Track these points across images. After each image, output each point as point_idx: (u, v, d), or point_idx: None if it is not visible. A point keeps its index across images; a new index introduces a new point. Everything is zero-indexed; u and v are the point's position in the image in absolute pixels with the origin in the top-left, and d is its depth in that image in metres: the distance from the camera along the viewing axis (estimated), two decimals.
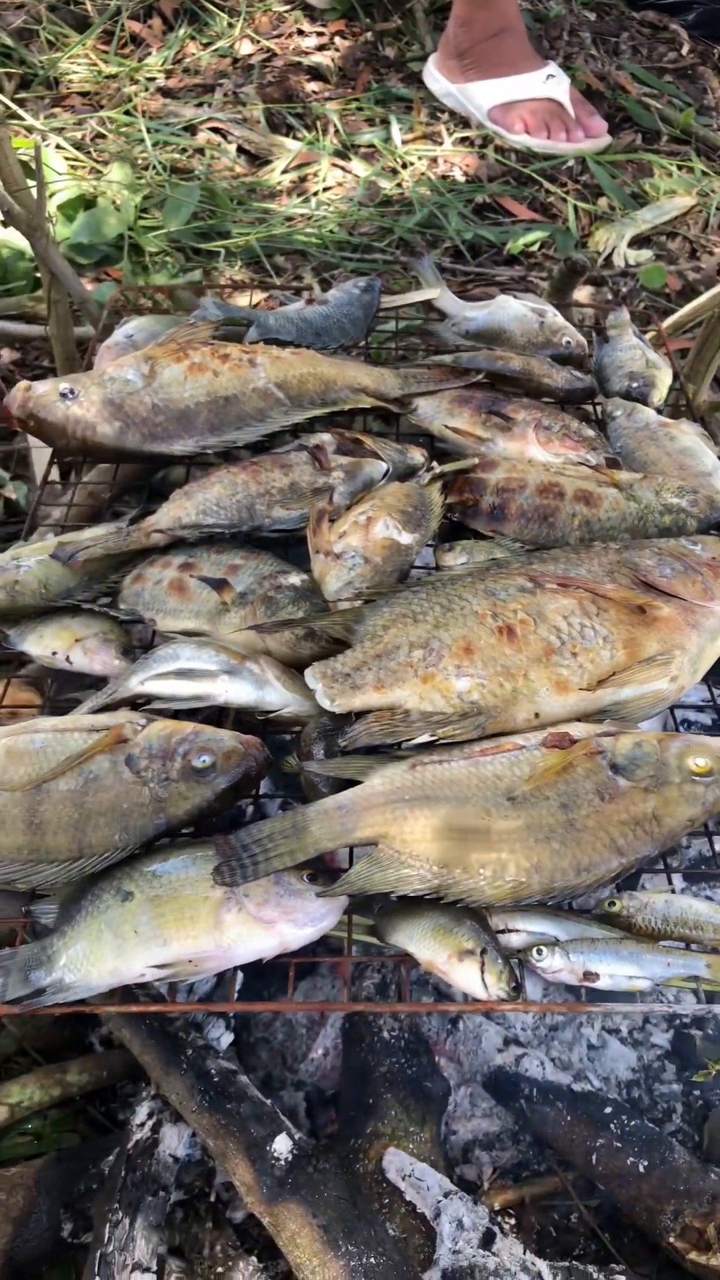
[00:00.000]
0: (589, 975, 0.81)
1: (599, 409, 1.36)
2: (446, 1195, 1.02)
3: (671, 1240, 1.04)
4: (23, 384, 1.23)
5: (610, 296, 2.21)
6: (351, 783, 0.89)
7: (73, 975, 0.80)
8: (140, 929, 0.80)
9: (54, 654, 1.06)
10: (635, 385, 1.33)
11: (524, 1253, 1.00)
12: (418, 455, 1.21)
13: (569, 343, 1.39)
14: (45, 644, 1.06)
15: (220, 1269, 1.12)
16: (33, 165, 1.36)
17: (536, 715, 0.91)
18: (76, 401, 1.21)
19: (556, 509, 1.12)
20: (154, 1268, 1.00)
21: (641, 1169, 1.08)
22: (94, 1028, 1.28)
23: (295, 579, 1.05)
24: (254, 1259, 1.13)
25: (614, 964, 0.81)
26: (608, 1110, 1.14)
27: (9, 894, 0.99)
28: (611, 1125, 1.13)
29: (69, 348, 1.53)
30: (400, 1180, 1.04)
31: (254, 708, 0.95)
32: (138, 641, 1.10)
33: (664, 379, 1.35)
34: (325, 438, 1.20)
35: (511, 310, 1.42)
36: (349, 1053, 1.17)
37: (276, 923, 0.81)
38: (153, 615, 1.05)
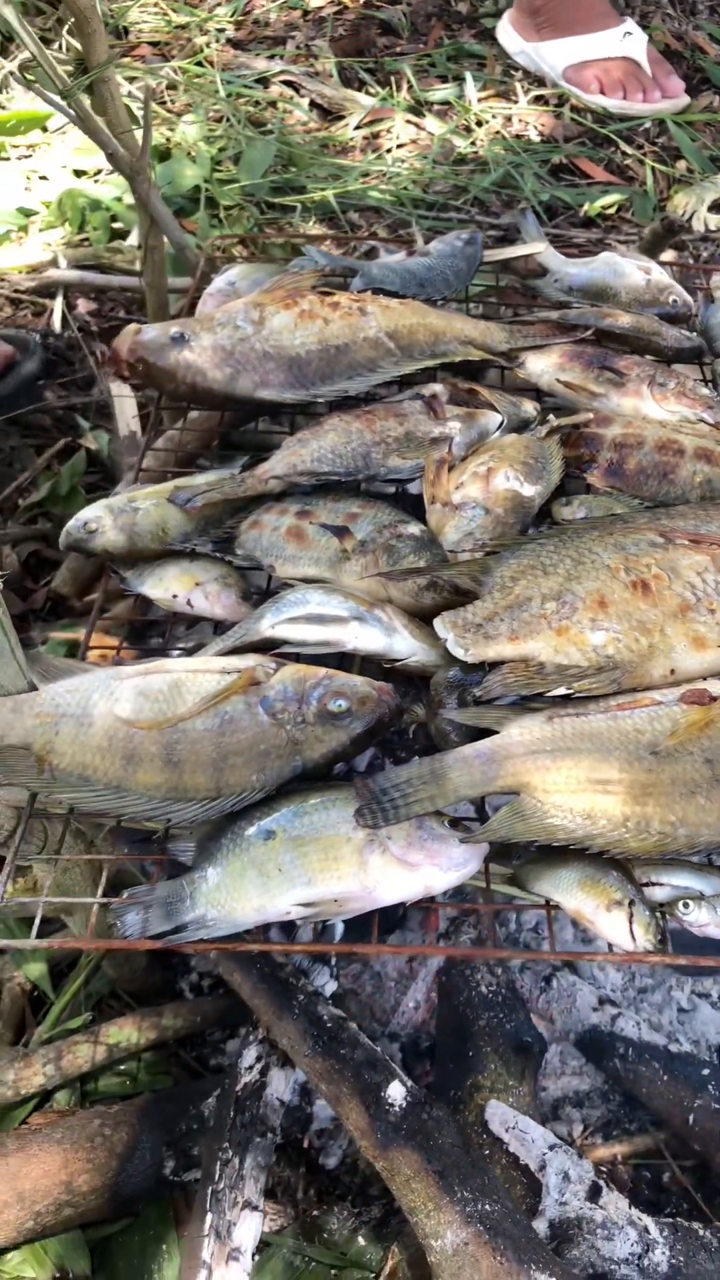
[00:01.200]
0: None
1: (707, 370, 1.34)
2: (551, 1148, 1.02)
3: None
4: (131, 327, 1.22)
5: (692, 260, 2.18)
6: (482, 735, 0.88)
7: (216, 911, 0.80)
8: (284, 867, 0.80)
9: (174, 597, 1.06)
10: None
11: (629, 1207, 1.00)
12: (530, 408, 1.19)
13: (676, 301, 1.37)
14: (166, 587, 1.06)
15: (315, 1212, 1.13)
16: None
17: (672, 672, 0.90)
18: (187, 346, 1.20)
19: (676, 466, 1.11)
20: (261, 1206, 1.00)
21: None
22: (184, 974, 1.29)
23: (415, 528, 1.04)
24: (348, 1204, 1.14)
25: None
26: (705, 1073, 1.14)
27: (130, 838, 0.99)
28: (710, 1087, 1.13)
29: (163, 296, 1.52)
30: (504, 1132, 1.04)
31: (381, 655, 0.94)
32: (254, 589, 1.09)
33: None
34: (438, 387, 1.19)
35: (617, 267, 1.40)
36: (445, 1006, 1.17)
37: (421, 866, 0.80)
38: (271, 562, 1.04)
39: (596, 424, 1.17)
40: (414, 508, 1.11)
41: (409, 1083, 0.99)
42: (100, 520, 1.08)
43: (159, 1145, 1.08)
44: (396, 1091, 0.98)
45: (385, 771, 0.83)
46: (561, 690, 0.89)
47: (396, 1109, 0.97)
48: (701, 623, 0.91)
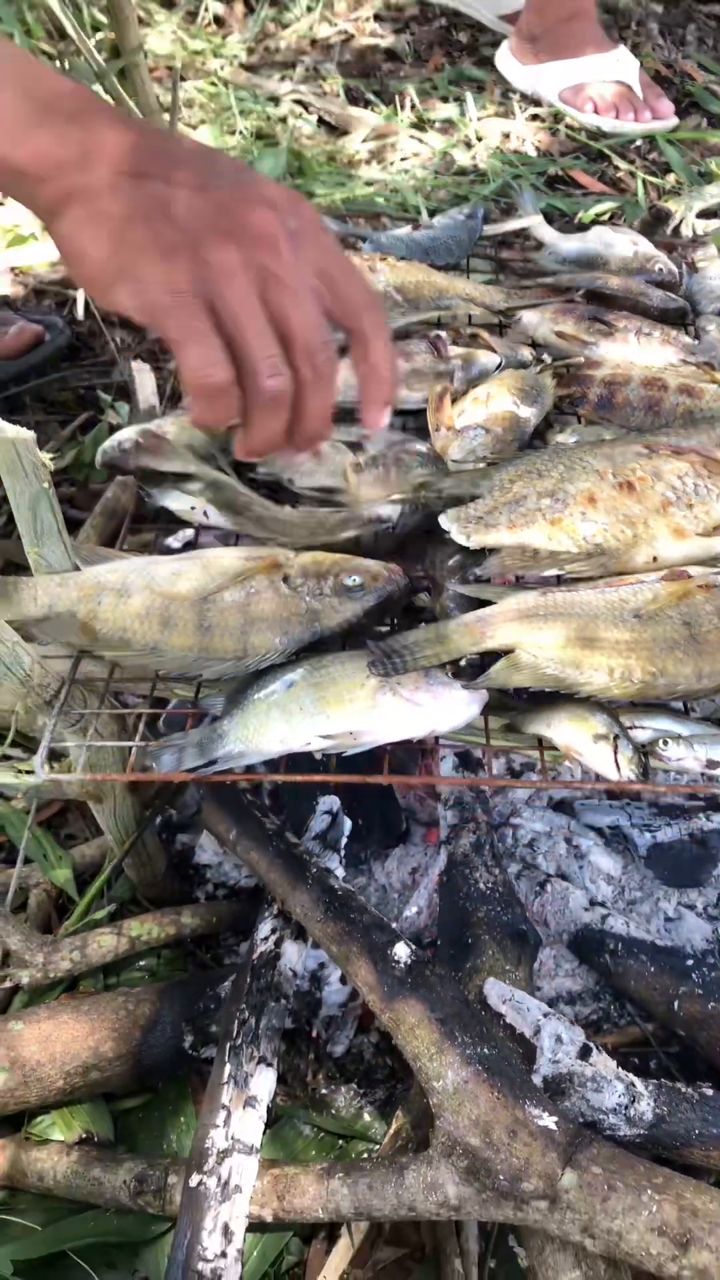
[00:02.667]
0: (712, 763, 0.89)
1: (691, 330, 1.45)
2: (545, 1015, 1.10)
3: None
4: None
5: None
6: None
7: (243, 746, 0.89)
8: (305, 707, 0.89)
9: (192, 509, 1.15)
10: None
11: (617, 1066, 1.08)
12: (526, 352, 1.30)
13: (661, 269, 1.48)
14: (186, 501, 1.16)
15: (322, 1092, 1.20)
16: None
17: (655, 559, 1.00)
18: None
19: (661, 399, 1.21)
20: (274, 1063, 1.08)
21: None
22: (201, 885, 1.37)
23: (421, 446, 1.14)
24: (353, 1086, 1.22)
25: None
26: (689, 962, 1.22)
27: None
28: (694, 975, 1.21)
29: None
30: (501, 1005, 1.11)
31: None
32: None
33: None
34: (442, 332, 1.29)
35: (606, 238, 1.51)
36: (446, 902, 1.25)
37: (426, 706, 0.89)
38: (291, 476, 1.14)
39: (587, 366, 1.27)
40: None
41: (412, 945, 1.07)
42: (133, 440, 1.18)
43: (179, 1020, 1.15)
44: (402, 950, 1.06)
45: (394, 636, 0.93)
46: (554, 571, 0.98)
47: (401, 965, 1.05)
48: (681, 516, 1.01)
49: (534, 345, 1.36)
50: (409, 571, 1.02)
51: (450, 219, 1.54)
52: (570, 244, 1.54)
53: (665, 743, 0.90)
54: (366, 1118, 1.19)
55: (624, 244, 1.50)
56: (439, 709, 0.90)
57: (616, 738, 0.88)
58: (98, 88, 1.43)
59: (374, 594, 0.96)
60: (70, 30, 1.38)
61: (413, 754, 1.27)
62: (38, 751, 0.92)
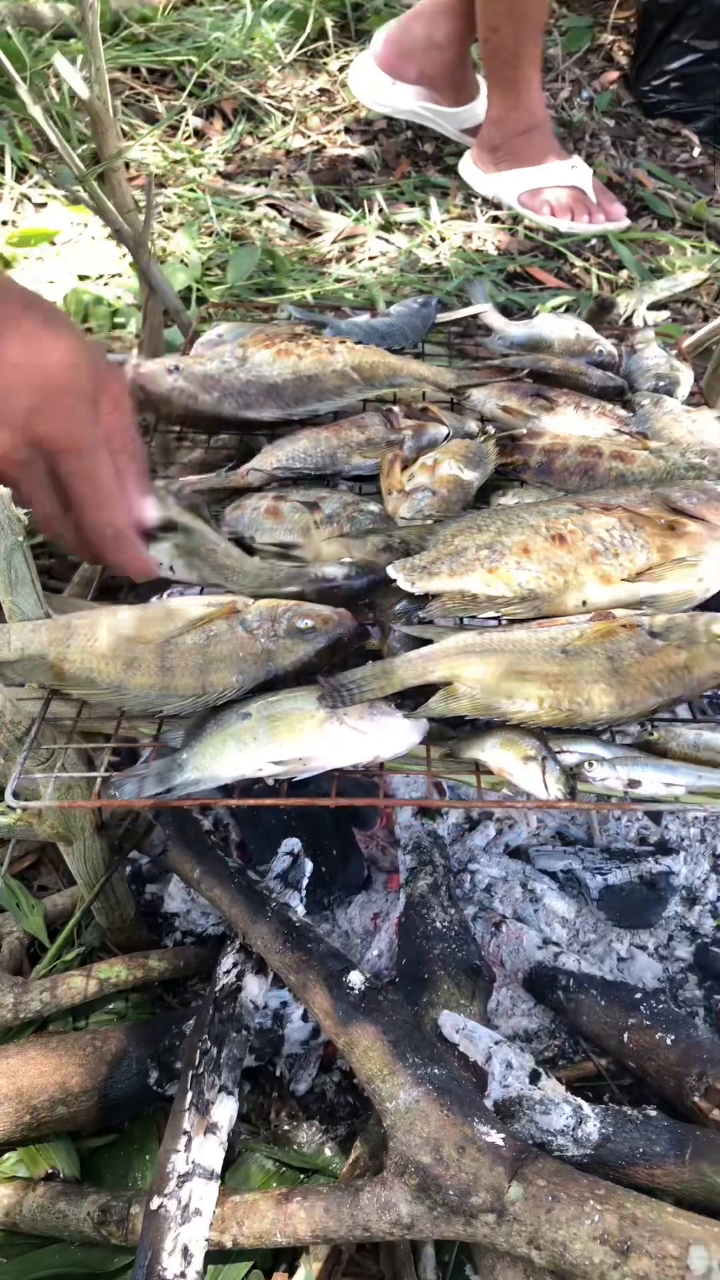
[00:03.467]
0: (632, 783, 0.96)
1: (629, 407, 1.56)
2: (496, 1043, 1.15)
3: (696, 1100, 1.16)
4: (132, 361, 1.43)
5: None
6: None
7: (200, 774, 0.96)
8: (259, 736, 0.96)
9: (159, 565, 1.23)
10: (661, 384, 1.53)
11: (565, 1090, 1.12)
12: (473, 424, 1.40)
13: (601, 351, 1.60)
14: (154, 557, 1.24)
15: (286, 1128, 1.24)
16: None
17: (584, 603, 1.08)
18: (180, 376, 1.41)
19: (595, 465, 1.31)
20: (235, 1092, 1.12)
21: (669, 1042, 1.21)
22: (169, 932, 1.42)
23: (374, 506, 1.23)
24: (315, 1122, 1.25)
25: (654, 773, 0.96)
26: (638, 996, 1.27)
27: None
28: (641, 1007, 1.26)
29: (158, 352, 1.74)
30: (455, 1034, 1.16)
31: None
32: None
33: (686, 379, 1.55)
34: (395, 407, 1.39)
35: (550, 324, 1.63)
36: (404, 940, 1.30)
37: (371, 734, 0.96)
38: (252, 534, 1.23)
39: (530, 436, 1.37)
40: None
41: (366, 973, 1.12)
42: None
43: (145, 1057, 1.20)
44: (356, 978, 1.11)
45: (343, 672, 1.00)
46: (491, 614, 1.07)
47: (355, 991, 1.10)
48: (608, 565, 1.09)
49: (482, 420, 1.46)
50: (358, 617, 1.09)
51: (406, 307, 1.65)
52: (517, 329, 1.66)
53: (590, 765, 0.97)
54: (328, 1153, 1.22)
55: (567, 329, 1.62)
56: (383, 736, 0.97)
57: (544, 759, 0.95)
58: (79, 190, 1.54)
59: (324, 636, 1.04)
60: (55, 141, 1.51)
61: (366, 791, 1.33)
62: (8, 785, 0.99)
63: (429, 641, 1.04)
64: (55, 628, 1.04)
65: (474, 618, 1.08)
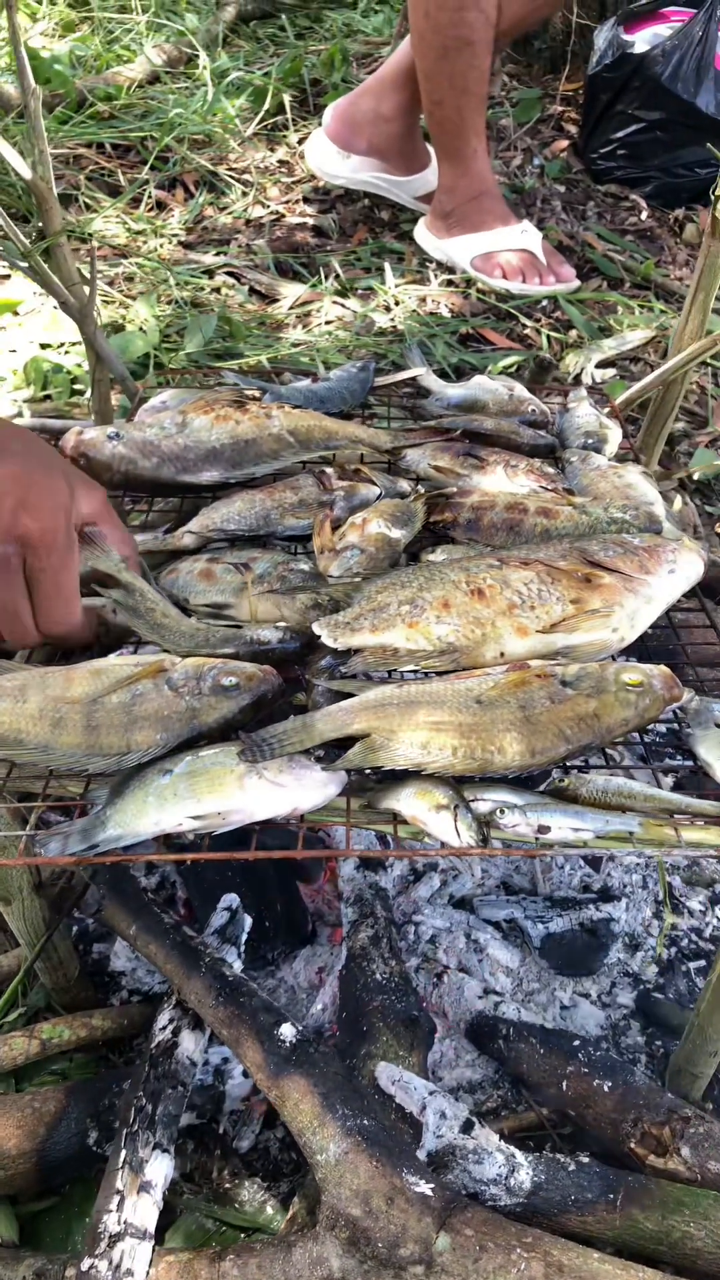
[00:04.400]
0: (542, 828, 0.98)
1: (559, 464, 1.60)
2: (430, 1094, 1.16)
3: (633, 1146, 1.17)
4: (75, 429, 1.46)
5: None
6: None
7: (122, 831, 0.98)
8: (179, 792, 0.98)
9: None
10: (590, 441, 1.58)
11: (499, 1139, 1.13)
12: (404, 484, 1.44)
13: (534, 410, 1.65)
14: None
15: (228, 1186, 1.24)
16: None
17: (502, 654, 1.11)
18: (121, 442, 1.45)
19: (521, 520, 1.35)
20: (170, 1149, 1.12)
21: (606, 1088, 1.22)
22: (115, 991, 1.43)
23: (305, 565, 1.26)
24: (258, 1180, 1.25)
25: (563, 819, 0.98)
26: (576, 1043, 1.28)
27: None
28: (579, 1055, 1.27)
29: (108, 418, 1.79)
30: (390, 1085, 1.17)
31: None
32: None
33: (615, 436, 1.60)
34: (328, 469, 1.44)
35: (485, 385, 1.68)
36: (345, 993, 1.31)
37: (289, 787, 0.98)
38: (186, 596, 1.26)
39: (459, 495, 1.41)
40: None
41: (299, 1025, 1.13)
42: None
43: (84, 1117, 1.20)
44: (288, 1030, 1.12)
45: (264, 728, 1.03)
46: (410, 666, 1.09)
47: (287, 1044, 1.11)
48: (525, 617, 1.13)
49: (416, 479, 1.50)
50: (285, 674, 1.12)
51: (344, 372, 1.70)
52: (454, 391, 1.71)
53: (502, 811, 0.99)
54: (270, 1210, 1.22)
55: (500, 390, 1.67)
56: (301, 789, 0.99)
57: (456, 808, 0.97)
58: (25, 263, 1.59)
59: (249, 693, 1.06)
60: None
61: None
62: None
63: (351, 695, 1.07)
64: None
65: (397, 671, 1.10)
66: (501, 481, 1.45)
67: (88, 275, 1.65)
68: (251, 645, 1.16)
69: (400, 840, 1.01)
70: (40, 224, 1.65)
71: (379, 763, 1.00)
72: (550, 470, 1.48)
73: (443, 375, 2.68)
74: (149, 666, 1.09)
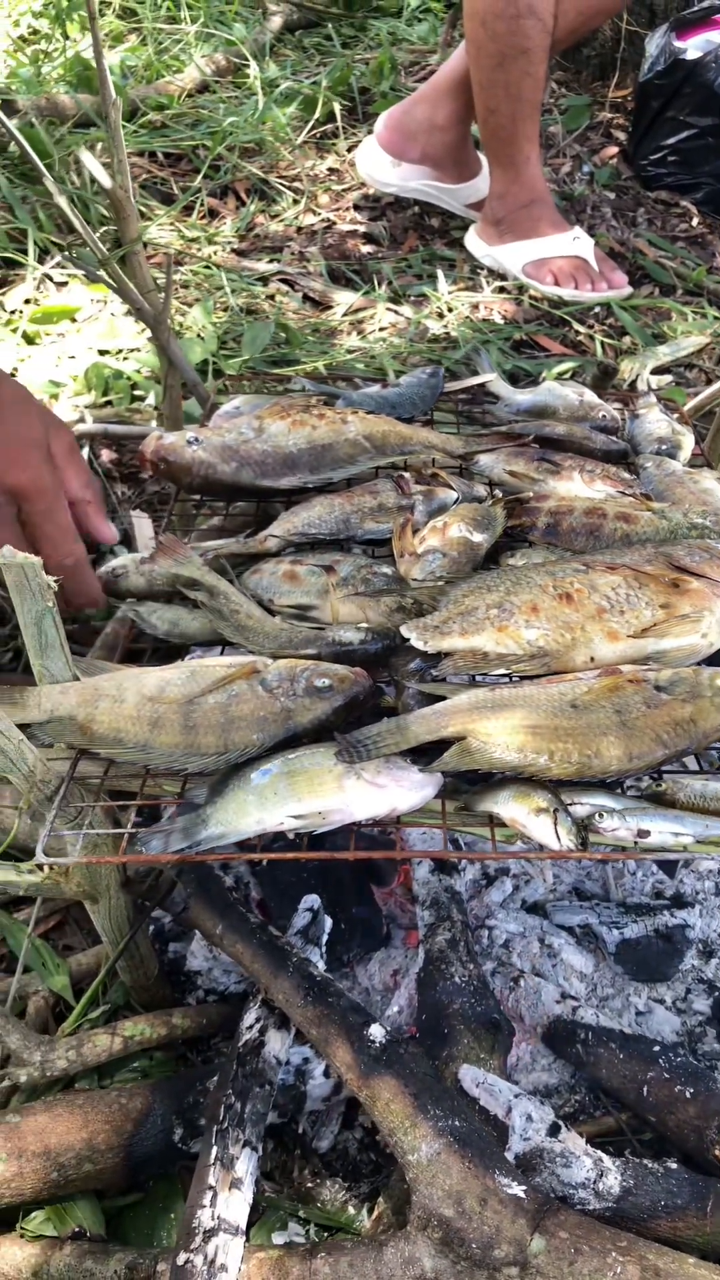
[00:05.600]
0: (642, 833, 0.99)
1: (632, 470, 1.61)
2: (516, 1096, 1.16)
3: (717, 1153, 1.17)
4: (154, 433, 1.48)
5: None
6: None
7: (223, 829, 0.99)
8: (279, 791, 0.99)
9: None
10: (664, 447, 1.58)
11: (585, 1143, 1.13)
12: (481, 489, 1.45)
13: (605, 416, 1.65)
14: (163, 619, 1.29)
15: (309, 1185, 1.24)
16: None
17: (592, 659, 1.12)
18: (200, 447, 1.46)
19: (600, 526, 1.35)
20: (258, 1147, 1.13)
21: (689, 1095, 1.22)
22: (191, 990, 1.44)
23: (387, 568, 1.28)
24: (338, 1180, 1.26)
25: (663, 824, 0.99)
26: (656, 1049, 1.28)
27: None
28: (660, 1061, 1.26)
29: (178, 423, 1.81)
30: (474, 1088, 1.18)
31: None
32: None
33: (688, 443, 1.60)
34: (405, 473, 1.45)
35: (555, 391, 1.69)
36: (424, 995, 1.32)
37: (388, 787, 1.00)
38: (270, 597, 1.27)
39: (536, 499, 1.42)
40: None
41: (386, 1026, 1.14)
42: (125, 567, 1.32)
43: (169, 1114, 1.21)
44: (377, 1031, 1.13)
45: (359, 729, 1.04)
46: (501, 671, 1.10)
47: (376, 1044, 1.12)
48: (615, 622, 1.13)
49: (490, 484, 1.51)
50: (374, 677, 1.13)
51: (414, 378, 1.72)
52: (523, 396, 1.72)
53: (601, 816, 0.99)
54: (351, 1210, 1.23)
55: (571, 395, 1.68)
56: (399, 790, 1.00)
57: (556, 811, 0.97)
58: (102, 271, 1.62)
59: (341, 695, 1.08)
60: (77, 225, 1.59)
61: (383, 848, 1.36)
62: (39, 842, 1.02)
63: (442, 698, 1.08)
64: (83, 690, 1.09)
65: (485, 675, 1.11)
66: (578, 487, 1.46)
67: (162, 282, 1.67)
68: (335, 646, 1.17)
69: (496, 843, 1.02)
70: (115, 230, 1.67)
71: (476, 765, 1.01)
72: (626, 475, 1.48)
73: None
74: (242, 668, 1.10)
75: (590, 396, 1.68)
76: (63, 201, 1.59)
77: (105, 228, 2.83)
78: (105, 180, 1.56)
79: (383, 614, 1.21)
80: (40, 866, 1.10)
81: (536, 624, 1.13)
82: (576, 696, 1.05)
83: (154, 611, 1.28)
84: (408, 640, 1.14)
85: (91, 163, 1.54)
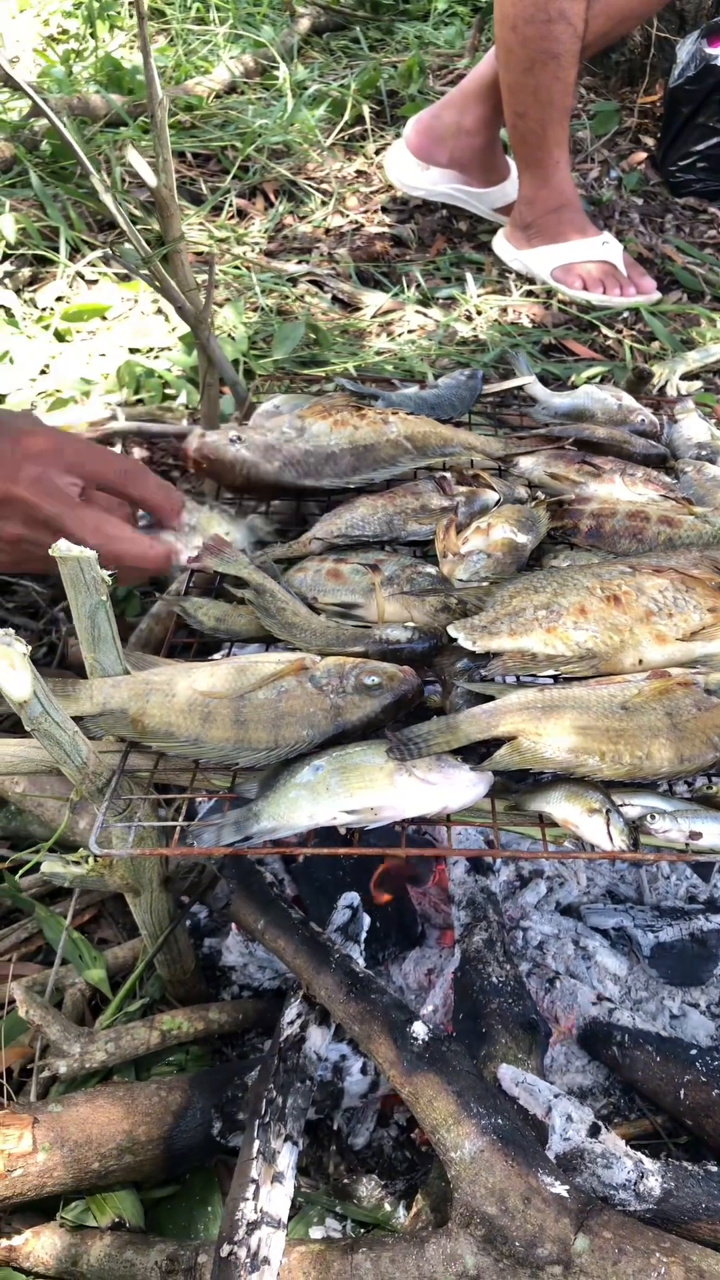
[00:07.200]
0: (694, 834, 0.99)
1: (671, 474, 1.61)
2: (556, 1096, 1.16)
3: None
4: (198, 431, 1.49)
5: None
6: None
7: (275, 823, 1.00)
8: (331, 787, 1.00)
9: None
10: (704, 451, 1.58)
11: (625, 1144, 1.13)
12: (522, 490, 1.45)
13: (643, 420, 1.65)
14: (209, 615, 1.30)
15: (345, 1182, 1.25)
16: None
17: (640, 661, 1.12)
18: (243, 445, 1.47)
19: (644, 529, 1.35)
20: (299, 1142, 1.14)
21: None
22: (226, 986, 1.44)
23: (431, 568, 1.28)
24: (374, 1176, 1.26)
25: (714, 826, 0.99)
26: (693, 1052, 1.28)
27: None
28: (698, 1064, 1.27)
29: (215, 422, 1.82)
30: (514, 1087, 1.18)
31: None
32: None
33: None
34: (447, 474, 1.45)
35: (593, 395, 1.69)
36: (461, 996, 1.32)
37: (439, 785, 1.00)
38: (314, 595, 1.27)
39: (578, 501, 1.42)
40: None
41: (429, 1024, 1.15)
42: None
43: (208, 1107, 1.22)
44: (419, 1028, 1.13)
45: (410, 727, 1.04)
46: (550, 672, 1.11)
47: (419, 1042, 1.12)
48: (662, 624, 1.14)
49: (530, 486, 1.52)
50: (420, 676, 1.14)
51: (453, 379, 1.72)
52: (561, 400, 1.72)
53: (652, 817, 1.00)
54: (387, 1207, 1.23)
55: (609, 399, 1.68)
56: (451, 788, 1.00)
57: (609, 812, 0.98)
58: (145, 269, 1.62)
59: (390, 693, 1.08)
60: (122, 223, 1.59)
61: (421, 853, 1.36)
62: (91, 834, 1.03)
63: (490, 698, 1.08)
64: (134, 683, 1.09)
65: (532, 676, 1.12)
66: (619, 490, 1.46)
67: (202, 281, 1.68)
68: (382, 645, 1.18)
69: (547, 843, 1.02)
70: (157, 229, 1.68)
71: (528, 765, 1.01)
72: (667, 479, 1.49)
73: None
74: (291, 664, 1.10)
75: (629, 401, 1.68)
76: (108, 199, 1.60)
77: (137, 226, 2.83)
78: (151, 179, 1.57)
79: (427, 613, 1.22)
80: (87, 858, 1.11)
81: (585, 626, 1.13)
82: (627, 699, 1.05)
83: (199, 607, 1.28)
84: (454, 640, 1.15)
85: (138, 161, 1.54)
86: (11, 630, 0.93)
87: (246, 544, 1.39)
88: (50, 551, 0.99)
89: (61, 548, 0.99)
